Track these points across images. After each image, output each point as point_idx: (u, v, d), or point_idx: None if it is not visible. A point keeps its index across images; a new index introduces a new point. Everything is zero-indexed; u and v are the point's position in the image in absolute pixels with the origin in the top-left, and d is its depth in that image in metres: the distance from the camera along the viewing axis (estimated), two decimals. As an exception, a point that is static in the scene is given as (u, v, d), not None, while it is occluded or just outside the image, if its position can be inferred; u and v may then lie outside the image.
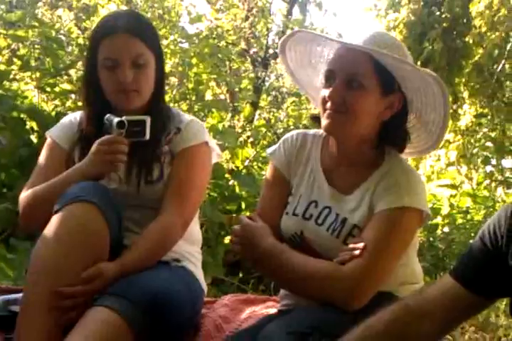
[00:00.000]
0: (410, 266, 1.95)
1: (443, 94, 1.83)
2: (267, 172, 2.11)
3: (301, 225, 1.92)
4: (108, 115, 2.04)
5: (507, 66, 10.50)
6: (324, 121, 1.85)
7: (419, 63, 9.36)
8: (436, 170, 10.35)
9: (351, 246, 1.77)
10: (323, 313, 1.67)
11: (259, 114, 8.96)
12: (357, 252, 1.73)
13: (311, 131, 2.06)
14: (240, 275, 3.57)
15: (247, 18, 10.41)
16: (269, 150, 2.10)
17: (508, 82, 11.20)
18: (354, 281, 1.71)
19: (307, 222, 1.91)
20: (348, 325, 1.50)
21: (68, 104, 4.96)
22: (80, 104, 3.69)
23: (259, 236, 1.86)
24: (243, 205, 4.23)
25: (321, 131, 2.02)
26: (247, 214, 3.50)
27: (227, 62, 8.41)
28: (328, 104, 1.83)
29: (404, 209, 1.78)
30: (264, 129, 6.73)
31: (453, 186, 8.24)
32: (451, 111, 10.52)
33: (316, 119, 1.95)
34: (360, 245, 1.74)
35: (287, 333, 1.55)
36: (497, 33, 9.16)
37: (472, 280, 1.50)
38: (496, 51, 10.02)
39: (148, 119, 2.00)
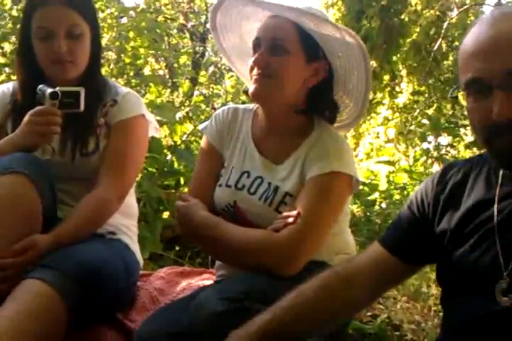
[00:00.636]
0: (343, 236, 1.99)
1: (364, 58, 1.88)
2: (200, 146, 2.12)
3: (234, 196, 1.94)
4: (41, 86, 2.00)
5: (443, 45, 10.65)
6: (251, 87, 1.87)
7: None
8: (375, 147, 10.50)
9: (285, 214, 1.80)
10: (256, 280, 1.69)
11: (198, 90, 8.91)
12: (290, 220, 1.75)
13: (242, 106, 2.09)
14: (177, 248, 3.57)
15: (185, -8, 10.32)
16: (202, 125, 2.12)
17: (444, 61, 11.37)
18: (288, 247, 1.73)
19: (240, 192, 1.93)
20: (281, 291, 1.52)
21: (2, 77, 4.83)
22: (14, 77, 3.59)
23: (192, 212, 1.87)
24: (182, 180, 4.21)
25: (251, 106, 2.05)
26: (186, 189, 3.49)
27: (166, 38, 8.32)
28: (255, 70, 1.86)
29: (333, 174, 1.82)
30: (203, 105, 6.70)
31: (391, 163, 8.37)
32: (389, 88, 10.63)
33: (248, 93, 1.96)
34: (294, 213, 1.76)
35: (220, 299, 1.57)
36: (432, 12, 9.28)
37: (399, 248, 1.53)
38: (433, 30, 10.15)
39: (82, 91, 1.97)
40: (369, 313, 2.68)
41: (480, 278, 1.34)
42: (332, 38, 1.87)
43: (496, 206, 1.37)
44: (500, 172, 1.41)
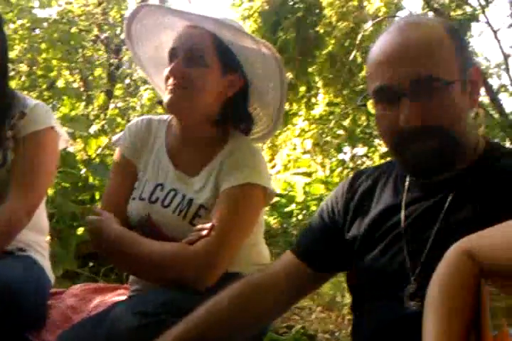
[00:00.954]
0: (258, 247, 1.99)
1: (279, 69, 1.89)
2: (113, 159, 2.08)
3: (148, 209, 1.91)
4: None
5: (358, 56, 10.89)
6: (166, 98, 1.85)
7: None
8: (292, 158, 10.61)
9: (199, 226, 1.78)
10: (171, 293, 1.66)
11: (114, 103, 8.79)
12: (204, 232, 1.74)
13: (157, 117, 2.06)
14: (91, 264, 3.49)
15: (99, 3, 10.17)
16: (115, 137, 2.08)
17: (359, 72, 11.62)
18: (202, 260, 1.72)
19: (154, 205, 1.90)
20: (197, 304, 1.50)
21: None
22: None
23: (104, 227, 1.83)
24: (97, 195, 4.14)
25: (166, 116, 2.02)
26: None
27: (80, 50, 8.18)
28: (170, 80, 1.84)
29: (247, 185, 1.81)
30: (118, 118, 6.61)
31: (307, 174, 8.48)
32: (305, 100, 10.77)
33: (162, 104, 1.94)
34: (208, 225, 1.75)
35: (135, 313, 1.54)
36: (346, 23, 9.47)
37: (311, 256, 1.54)
38: (348, 41, 10.36)
39: None
40: (284, 324, 2.69)
41: (389, 283, 1.36)
42: (249, 49, 1.87)
43: (403, 212, 1.40)
44: (407, 178, 1.44)
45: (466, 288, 1.08)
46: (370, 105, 1.39)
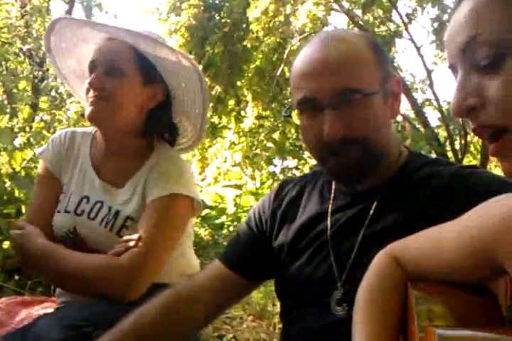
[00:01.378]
0: (186, 258, 1.98)
1: (200, 80, 1.90)
2: (38, 171, 2.05)
3: (74, 221, 1.88)
4: None
5: (286, 70, 11.02)
6: (87, 110, 1.84)
7: (201, 67, 9.53)
8: (222, 171, 10.63)
9: (126, 237, 1.76)
10: (97, 306, 1.64)
11: (39, 115, 8.62)
12: (131, 243, 1.72)
13: (81, 129, 2.04)
14: (18, 278, 3.41)
15: (22, 16, 9.99)
16: (39, 150, 2.05)
17: (287, 86, 11.73)
18: (129, 271, 1.70)
19: (79, 217, 1.88)
20: (123, 316, 1.48)
21: None
22: None
23: (28, 240, 1.80)
24: (23, 208, 4.05)
25: (90, 129, 2.01)
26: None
27: (4, 62, 8.00)
28: (91, 92, 1.83)
29: (173, 196, 1.81)
30: (44, 131, 6.49)
31: (238, 186, 8.50)
32: (234, 113, 10.82)
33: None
34: (135, 236, 1.73)
35: (60, 326, 1.51)
36: (273, 38, 9.58)
37: (239, 264, 1.55)
38: (275, 56, 10.47)
39: None
40: (215, 333, 2.68)
41: (316, 290, 1.37)
42: (169, 61, 1.87)
43: (329, 219, 1.42)
44: (333, 186, 1.47)
45: (394, 292, 1.10)
46: (295, 116, 1.41)
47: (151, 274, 1.75)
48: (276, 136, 11.11)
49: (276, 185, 1.63)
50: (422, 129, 10.17)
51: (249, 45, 10.16)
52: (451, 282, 1.05)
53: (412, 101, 9.86)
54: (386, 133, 1.37)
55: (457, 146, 10.55)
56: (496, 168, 10.18)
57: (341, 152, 1.33)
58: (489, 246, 0.97)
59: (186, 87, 1.92)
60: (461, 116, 0.81)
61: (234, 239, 1.62)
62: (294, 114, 1.42)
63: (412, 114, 11.45)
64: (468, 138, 10.43)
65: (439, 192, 1.32)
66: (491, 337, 0.88)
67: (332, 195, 1.46)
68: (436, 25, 8.85)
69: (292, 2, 9.40)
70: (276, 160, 10.99)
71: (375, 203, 1.38)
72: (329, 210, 1.44)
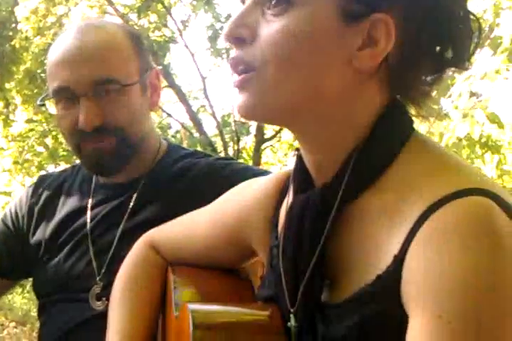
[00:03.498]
0: None
1: None
2: None
3: None
4: None
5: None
6: None
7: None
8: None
9: None
10: None
11: None
12: None
13: None
14: None
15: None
16: None
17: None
18: None
19: None
20: None
21: None
22: None
23: None
24: None
25: None
26: None
27: None
28: None
29: None
30: None
31: (7, 193, 8.15)
32: (3, 116, 10.28)
33: None
34: None
35: None
36: (44, 39, 9.27)
37: None
38: (45, 57, 10.12)
39: None
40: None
41: (75, 285, 1.35)
42: None
43: (89, 213, 1.40)
44: (93, 181, 1.45)
45: (151, 278, 1.11)
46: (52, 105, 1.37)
47: None
48: (48, 140, 10.73)
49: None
50: (197, 135, 10.38)
51: (18, 46, 9.72)
52: (209, 265, 1.08)
53: (188, 107, 10.03)
54: (144, 124, 1.38)
55: (231, 152, 10.92)
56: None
57: (96, 141, 1.32)
58: (240, 229, 1.01)
59: None
60: (229, 41, 0.80)
61: None
62: (50, 102, 1.37)
63: (188, 121, 11.66)
64: (241, 144, 10.83)
65: (196, 183, 1.36)
66: (237, 310, 0.92)
67: (92, 189, 1.44)
68: (210, 32, 9.06)
69: (64, 3, 9.15)
70: (50, 166, 10.64)
71: (135, 196, 1.38)
72: (89, 205, 1.42)
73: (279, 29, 0.76)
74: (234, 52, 0.80)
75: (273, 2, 0.77)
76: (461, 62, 0.81)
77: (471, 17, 0.79)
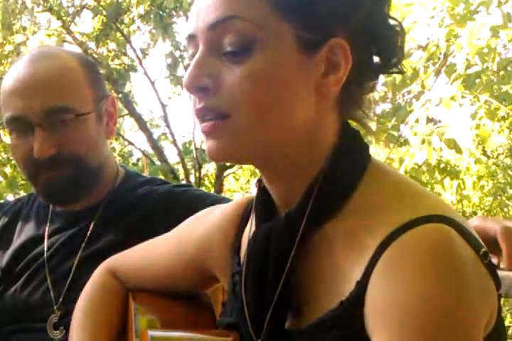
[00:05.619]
0: None
1: None
2: None
3: None
4: None
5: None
6: None
7: None
8: None
9: None
10: None
11: None
12: None
13: None
14: None
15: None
16: None
17: None
18: None
19: None
20: None
21: None
22: None
23: None
24: None
25: None
26: None
27: None
28: None
29: None
30: None
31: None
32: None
33: None
34: None
35: None
36: (1, 67, 9.21)
37: None
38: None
39: None
40: None
41: (32, 315, 1.33)
42: None
43: (45, 242, 1.39)
44: (50, 208, 1.44)
45: (109, 304, 1.10)
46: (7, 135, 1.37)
47: None
48: (7, 169, 10.61)
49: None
50: (159, 163, 10.34)
51: None
52: (170, 291, 1.07)
53: (149, 135, 10.00)
54: (100, 152, 1.38)
55: (193, 179, 10.87)
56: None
57: (51, 171, 1.31)
58: (201, 256, 1.01)
59: None
60: (192, 92, 0.79)
61: None
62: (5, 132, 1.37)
63: (149, 149, 11.61)
64: (203, 171, 10.81)
65: (155, 210, 1.36)
66: (197, 336, 0.94)
67: (49, 217, 1.43)
68: (169, 60, 9.08)
69: (22, 31, 9.11)
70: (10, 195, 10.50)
71: (92, 223, 1.37)
72: (46, 233, 1.41)
73: (244, 76, 0.77)
74: (198, 102, 0.80)
75: (229, 50, 0.77)
76: (390, 66, 0.84)
77: (393, 21, 0.83)
